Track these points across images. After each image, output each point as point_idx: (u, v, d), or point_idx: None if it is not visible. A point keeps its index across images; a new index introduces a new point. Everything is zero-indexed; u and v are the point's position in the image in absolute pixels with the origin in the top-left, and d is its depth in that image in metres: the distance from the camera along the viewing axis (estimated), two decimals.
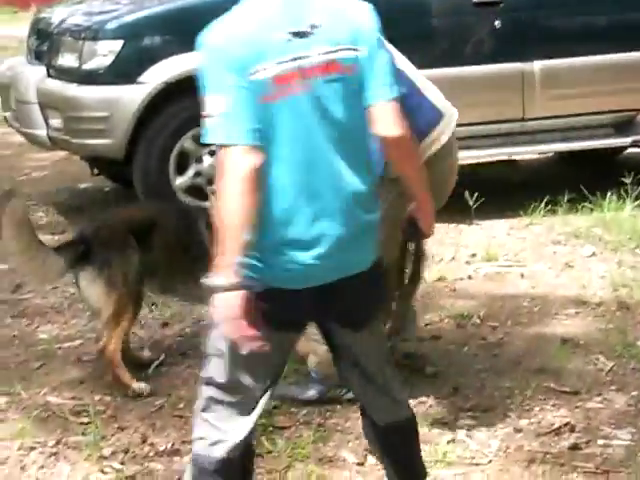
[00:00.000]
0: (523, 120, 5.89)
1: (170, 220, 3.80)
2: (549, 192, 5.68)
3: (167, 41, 5.55)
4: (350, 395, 3.39)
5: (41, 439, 3.25)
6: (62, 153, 6.88)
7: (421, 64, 5.69)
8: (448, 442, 3.16)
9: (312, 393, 3.48)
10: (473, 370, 3.67)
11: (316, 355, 3.39)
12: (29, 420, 3.33)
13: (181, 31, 5.54)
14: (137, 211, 4.13)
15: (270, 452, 3.13)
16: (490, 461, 3.06)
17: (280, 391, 3.41)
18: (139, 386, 3.56)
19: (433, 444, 3.15)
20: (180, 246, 3.71)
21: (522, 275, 4.77)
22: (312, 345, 3.31)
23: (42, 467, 3.11)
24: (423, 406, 3.42)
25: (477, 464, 3.03)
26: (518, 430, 3.23)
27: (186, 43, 5.58)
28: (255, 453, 2.66)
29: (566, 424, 3.25)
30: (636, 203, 5.56)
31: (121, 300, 3.57)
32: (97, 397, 3.54)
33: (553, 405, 3.39)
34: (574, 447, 3.10)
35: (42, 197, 6.26)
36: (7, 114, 6.43)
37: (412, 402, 3.40)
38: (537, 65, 5.84)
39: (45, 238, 5.37)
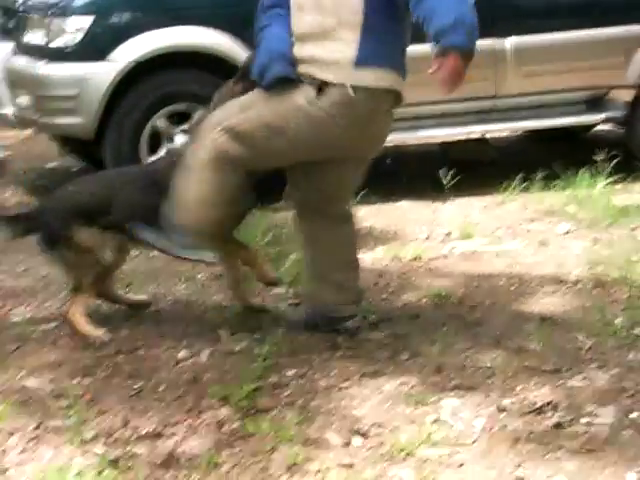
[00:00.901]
0: (495, 97, 5.89)
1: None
2: (522, 170, 5.69)
3: (138, 18, 5.48)
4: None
5: (20, 423, 3.20)
6: (28, 132, 6.79)
7: None
8: (432, 422, 3.16)
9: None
10: (454, 350, 3.67)
11: None
12: (7, 404, 3.28)
13: (152, 8, 5.48)
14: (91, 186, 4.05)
15: (254, 434, 3.10)
16: (475, 441, 3.05)
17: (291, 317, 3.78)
18: (97, 334, 3.79)
19: (418, 424, 3.14)
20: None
21: (498, 254, 4.77)
22: None
23: (23, 451, 3.06)
24: (406, 386, 3.41)
25: (462, 444, 3.03)
26: (502, 409, 3.23)
27: (157, 20, 5.55)
28: None
29: (549, 403, 3.25)
30: (608, 180, 5.59)
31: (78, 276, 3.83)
32: (75, 380, 3.49)
33: (535, 384, 3.40)
34: (558, 426, 3.11)
35: (9, 176, 6.16)
36: None
37: (395, 382, 3.42)
38: (509, 41, 5.83)
39: None
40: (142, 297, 4.20)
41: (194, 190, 3.57)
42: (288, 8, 3.56)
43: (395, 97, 3.60)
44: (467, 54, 3.36)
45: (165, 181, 3.68)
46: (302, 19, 3.52)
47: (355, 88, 3.46)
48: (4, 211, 5.44)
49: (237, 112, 3.58)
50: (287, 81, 3.51)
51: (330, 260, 3.75)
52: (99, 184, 4.03)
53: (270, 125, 3.52)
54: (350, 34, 3.45)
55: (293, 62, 3.52)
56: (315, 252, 3.79)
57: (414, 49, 5.60)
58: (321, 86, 3.48)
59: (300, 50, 3.53)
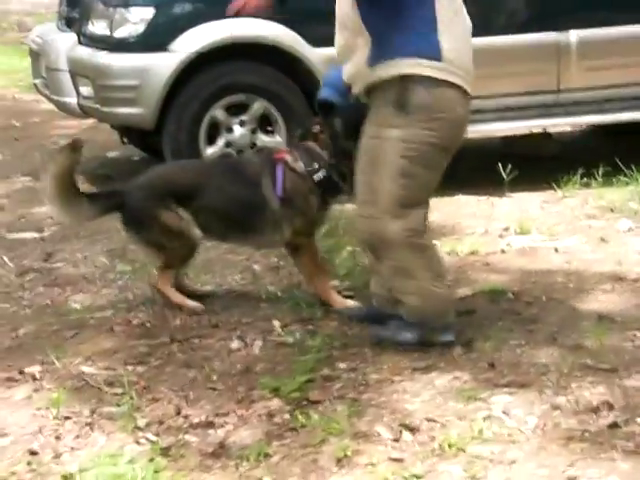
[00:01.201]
0: (558, 92, 5.81)
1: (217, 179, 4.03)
2: (583, 165, 5.61)
3: (198, 9, 5.50)
4: (448, 338, 3.60)
5: (76, 409, 3.25)
6: (90, 121, 6.87)
7: None
8: (484, 419, 3.13)
9: (409, 336, 3.58)
10: (508, 346, 3.63)
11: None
12: (63, 390, 3.33)
13: None
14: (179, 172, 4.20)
15: (304, 426, 3.11)
16: (527, 438, 3.02)
17: (376, 332, 3.63)
18: (192, 304, 3.98)
19: (469, 420, 3.12)
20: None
21: (556, 249, 4.71)
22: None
23: (77, 437, 3.10)
24: (458, 381, 3.38)
25: (514, 441, 3.00)
26: (555, 407, 3.19)
27: (218, 11, 5.57)
28: None
29: (604, 402, 3.20)
30: None
31: (165, 254, 4.01)
32: (130, 368, 3.54)
33: (590, 382, 3.35)
34: (613, 425, 3.06)
35: None
36: (37, 81, 6.42)
37: (447, 377, 3.39)
38: (573, 35, 5.75)
39: None
40: (207, 288, 4.24)
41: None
42: None
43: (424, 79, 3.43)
44: None
45: (257, 178, 3.92)
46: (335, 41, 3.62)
47: (371, 84, 3.49)
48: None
49: (393, 178, 3.48)
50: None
51: None
52: (191, 171, 4.17)
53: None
54: (362, 41, 3.47)
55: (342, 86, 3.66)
56: None
57: (475, 42, 5.66)
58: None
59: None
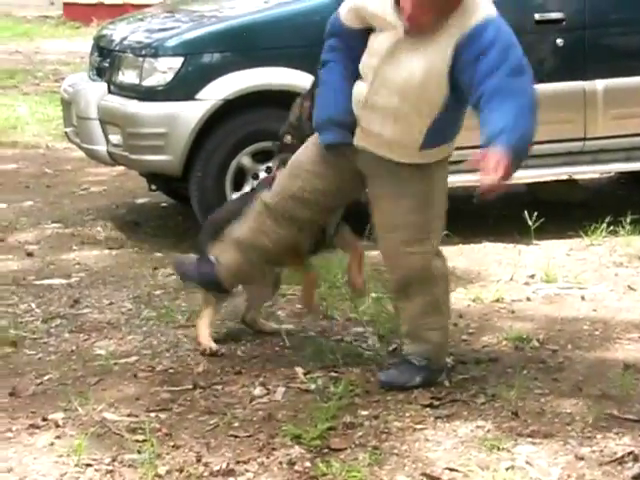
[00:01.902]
0: (585, 139, 5.81)
1: None
2: (611, 213, 5.58)
3: (226, 58, 5.57)
4: (443, 378, 3.68)
5: (97, 456, 3.25)
6: (120, 168, 6.94)
7: None
8: (507, 469, 3.10)
9: (418, 380, 3.64)
10: (532, 394, 3.60)
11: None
12: (85, 436, 3.33)
13: (240, 48, 5.56)
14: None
15: (325, 475, 3.09)
16: None
17: (387, 379, 3.66)
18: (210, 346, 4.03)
19: (491, 470, 3.09)
20: None
21: (582, 297, 4.68)
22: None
23: None
24: (481, 430, 3.36)
25: None
26: (580, 458, 3.16)
27: (245, 60, 5.64)
28: None
29: (630, 453, 3.16)
30: None
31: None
32: (152, 414, 3.54)
33: (616, 433, 3.31)
34: (638, 477, 3.02)
35: (100, 212, 6.31)
36: (68, 130, 6.49)
37: (470, 426, 3.37)
38: (600, 84, 5.75)
39: (102, 253, 5.47)
40: (275, 326, 4.29)
41: None
42: (352, 53, 3.60)
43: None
44: (516, 161, 3.35)
45: None
46: (378, 92, 3.53)
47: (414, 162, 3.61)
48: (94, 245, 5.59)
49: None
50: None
51: None
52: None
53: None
54: (420, 123, 3.52)
55: (347, 123, 3.62)
56: None
57: None
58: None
59: (364, 118, 3.58)
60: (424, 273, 3.65)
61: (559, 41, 5.65)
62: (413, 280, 3.65)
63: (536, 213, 5.36)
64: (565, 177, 6.22)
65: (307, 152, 3.74)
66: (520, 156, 3.37)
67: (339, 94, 3.62)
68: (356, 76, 3.60)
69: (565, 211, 5.98)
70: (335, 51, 3.66)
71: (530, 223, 5.35)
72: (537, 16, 5.67)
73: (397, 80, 3.48)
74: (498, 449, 3.21)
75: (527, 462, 3.14)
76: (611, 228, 5.49)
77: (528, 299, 4.68)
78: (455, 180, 5.76)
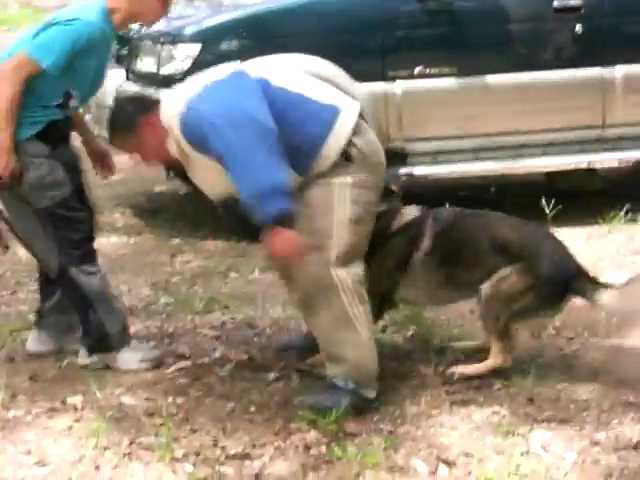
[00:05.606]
0: (603, 127, 5.79)
1: None
2: (630, 200, 5.56)
3: (244, 46, 5.57)
4: (372, 395, 3.39)
5: (115, 439, 3.28)
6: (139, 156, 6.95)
7: (500, 69, 5.72)
8: (522, 454, 3.11)
9: (343, 403, 3.35)
10: (548, 381, 3.61)
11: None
12: (104, 420, 3.36)
13: (258, 36, 5.57)
14: None
15: (340, 459, 3.11)
16: (566, 474, 2.99)
17: (311, 402, 3.42)
18: None
19: (506, 455, 3.10)
20: None
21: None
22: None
23: (116, 467, 3.14)
24: (497, 416, 3.36)
25: (552, 478, 2.97)
26: (595, 443, 3.16)
27: (263, 48, 5.64)
28: None
29: None
30: None
31: None
32: (170, 399, 3.56)
33: (632, 419, 3.31)
34: None
35: (119, 199, 6.34)
36: (87, 117, 6.52)
37: (485, 412, 3.37)
38: (618, 70, 5.73)
39: (121, 240, 5.50)
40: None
41: None
42: None
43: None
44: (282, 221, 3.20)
45: None
46: None
47: None
48: (113, 232, 5.62)
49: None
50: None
51: None
52: None
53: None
54: None
55: None
56: None
57: (522, 77, 5.68)
58: None
59: None
60: (320, 283, 3.35)
61: (578, 28, 5.63)
62: (311, 293, 3.38)
63: (553, 201, 5.35)
64: (584, 165, 6.20)
65: None
66: (276, 217, 3.20)
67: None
68: None
69: (583, 199, 5.96)
70: None
71: (547, 211, 5.33)
72: (556, 3, 5.65)
73: None
74: (513, 434, 3.22)
75: (542, 447, 3.14)
76: (629, 216, 5.47)
77: None
78: (472, 169, 5.82)
